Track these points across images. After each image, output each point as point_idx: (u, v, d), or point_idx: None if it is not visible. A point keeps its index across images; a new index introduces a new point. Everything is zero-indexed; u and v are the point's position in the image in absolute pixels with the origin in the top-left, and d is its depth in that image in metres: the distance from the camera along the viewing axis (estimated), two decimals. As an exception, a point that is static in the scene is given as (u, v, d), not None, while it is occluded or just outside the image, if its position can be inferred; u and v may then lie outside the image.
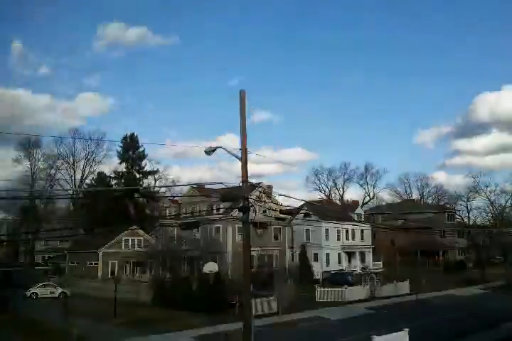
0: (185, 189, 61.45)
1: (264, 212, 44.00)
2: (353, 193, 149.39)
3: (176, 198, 60.58)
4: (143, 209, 71.12)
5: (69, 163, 74.17)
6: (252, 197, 20.45)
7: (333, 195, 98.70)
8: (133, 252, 50.86)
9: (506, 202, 75.43)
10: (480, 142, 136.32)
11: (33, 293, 41.32)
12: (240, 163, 14.54)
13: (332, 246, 56.64)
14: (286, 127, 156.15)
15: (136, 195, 68.87)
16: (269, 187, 51.21)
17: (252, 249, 15.62)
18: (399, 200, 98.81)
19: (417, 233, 60.96)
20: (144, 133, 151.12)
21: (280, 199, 47.53)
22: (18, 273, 56.71)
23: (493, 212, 74.67)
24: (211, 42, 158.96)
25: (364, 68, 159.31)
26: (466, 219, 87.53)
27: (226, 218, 45.15)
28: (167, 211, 60.78)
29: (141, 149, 70.73)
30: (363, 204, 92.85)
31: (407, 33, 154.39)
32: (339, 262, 57.39)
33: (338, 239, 58.09)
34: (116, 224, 55.72)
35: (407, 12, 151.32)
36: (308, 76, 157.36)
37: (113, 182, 71.48)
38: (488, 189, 76.06)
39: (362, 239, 61.30)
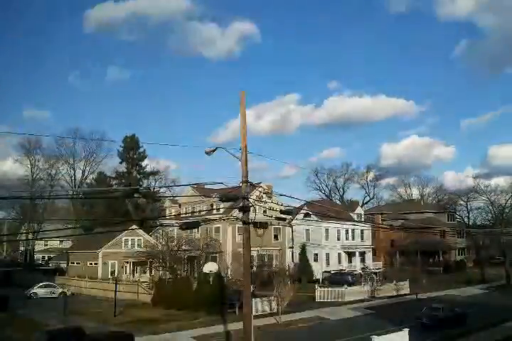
0: (186, 189, 61.42)
1: (265, 212, 43.96)
2: (353, 193, 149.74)
3: (175, 198, 60.55)
4: (143, 209, 71.12)
5: (69, 163, 74.05)
6: (252, 197, 20.45)
7: (333, 194, 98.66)
8: (133, 252, 50.81)
9: (506, 202, 75.29)
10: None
11: (33, 293, 41.25)
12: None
13: (332, 246, 56.63)
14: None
15: (136, 195, 68.84)
16: (269, 186, 51.16)
17: (252, 248, 15.61)
18: (399, 200, 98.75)
19: (417, 233, 60.87)
20: (145, 133, 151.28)
21: (280, 199, 47.44)
22: (18, 273, 56.73)
23: (493, 212, 74.56)
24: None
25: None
26: (466, 219, 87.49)
27: (226, 218, 45.13)
28: (167, 211, 60.77)
29: (141, 149, 70.80)
30: (363, 204, 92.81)
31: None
32: (339, 262, 57.36)
33: (338, 239, 58.07)
34: (116, 224, 55.67)
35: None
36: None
37: (113, 182, 71.50)
38: (488, 189, 75.96)
39: (362, 239, 61.27)
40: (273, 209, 47.03)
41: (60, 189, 71.77)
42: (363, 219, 62.58)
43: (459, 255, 74.71)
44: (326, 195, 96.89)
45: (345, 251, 58.51)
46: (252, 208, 14.89)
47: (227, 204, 42.77)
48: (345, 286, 38.71)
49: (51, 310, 32.15)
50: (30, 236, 69.50)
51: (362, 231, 60.92)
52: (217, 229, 50.39)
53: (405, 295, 40.77)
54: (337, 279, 46.78)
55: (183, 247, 46.43)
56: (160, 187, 76.53)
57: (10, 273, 55.69)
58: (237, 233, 47.50)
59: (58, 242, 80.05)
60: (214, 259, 44.26)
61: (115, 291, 31.55)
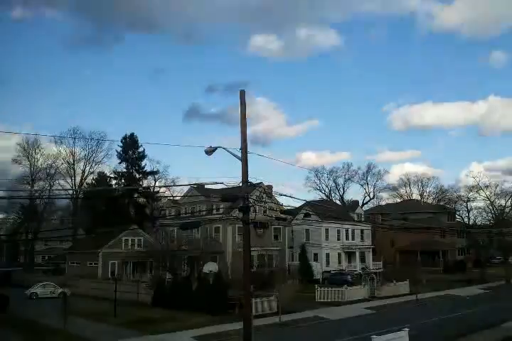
0: (185, 189, 61.43)
1: (265, 212, 43.98)
2: (353, 193, 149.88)
3: (175, 198, 60.49)
4: (143, 209, 71.04)
5: (69, 163, 73.98)
6: (252, 197, 20.46)
7: (333, 194, 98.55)
8: (133, 252, 50.82)
9: (506, 202, 75.37)
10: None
11: (33, 293, 41.26)
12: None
13: (332, 246, 56.63)
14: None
15: (135, 195, 68.81)
16: (269, 187, 51.16)
17: (252, 248, 15.60)
18: (399, 200, 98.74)
19: (417, 233, 60.89)
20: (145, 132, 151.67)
21: (280, 199, 47.50)
22: (18, 273, 56.78)
23: (493, 212, 74.55)
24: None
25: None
26: (466, 219, 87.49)
27: (226, 218, 45.14)
28: (167, 211, 60.73)
29: (140, 149, 70.63)
30: (363, 204, 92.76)
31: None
32: (339, 262, 57.37)
33: (338, 239, 58.06)
34: (116, 224, 55.64)
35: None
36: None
37: (113, 182, 71.42)
38: (488, 189, 76.02)
39: (362, 239, 61.27)
40: (273, 209, 47.09)
41: (60, 189, 71.81)
42: (363, 219, 62.62)
43: (459, 255, 74.71)
44: (326, 195, 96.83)
45: (345, 251, 58.52)
46: (252, 208, 14.89)
47: (228, 204, 43.09)
48: (345, 286, 38.67)
49: (51, 310, 32.10)
50: (30, 236, 69.53)
51: (362, 231, 60.95)
52: (217, 229, 50.36)
53: (405, 295, 40.76)
54: (337, 279, 46.78)
55: (183, 247, 46.47)
56: (160, 187, 76.45)
57: (10, 273, 55.73)
58: (237, 233, 47.47)
59: (58, 242, 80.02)
60: (214, 259, 44.22)
61: (115, 291, 31.53)
